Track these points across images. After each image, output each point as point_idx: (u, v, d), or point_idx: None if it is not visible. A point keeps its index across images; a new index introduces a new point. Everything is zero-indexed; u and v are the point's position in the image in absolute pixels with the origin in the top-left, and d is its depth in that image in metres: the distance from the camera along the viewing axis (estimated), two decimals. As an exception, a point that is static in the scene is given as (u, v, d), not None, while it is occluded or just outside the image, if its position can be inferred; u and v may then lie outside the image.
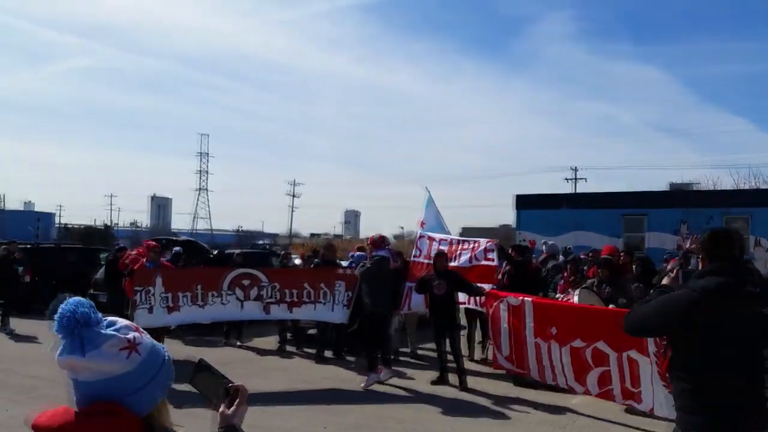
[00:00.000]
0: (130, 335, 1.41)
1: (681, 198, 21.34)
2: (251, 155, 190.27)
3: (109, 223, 74.10)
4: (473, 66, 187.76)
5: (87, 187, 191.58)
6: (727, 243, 2.92)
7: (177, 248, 12.76)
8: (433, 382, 8.06)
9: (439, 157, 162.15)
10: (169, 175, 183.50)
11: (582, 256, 10.95)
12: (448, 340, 8.18)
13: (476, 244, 9.27)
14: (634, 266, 9.24)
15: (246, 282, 8.57)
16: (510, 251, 9.92)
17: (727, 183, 39.97)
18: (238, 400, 1.58)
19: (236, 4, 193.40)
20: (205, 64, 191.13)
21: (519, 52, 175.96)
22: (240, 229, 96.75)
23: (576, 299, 7.21)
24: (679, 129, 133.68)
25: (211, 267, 10.69)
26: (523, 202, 21.67)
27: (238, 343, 11.01)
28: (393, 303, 8.92)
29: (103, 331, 1.38)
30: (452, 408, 7.00)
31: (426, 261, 9.43)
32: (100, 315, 1.41)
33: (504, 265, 9.50)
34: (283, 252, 13.38)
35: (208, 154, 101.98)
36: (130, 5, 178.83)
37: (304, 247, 44.98)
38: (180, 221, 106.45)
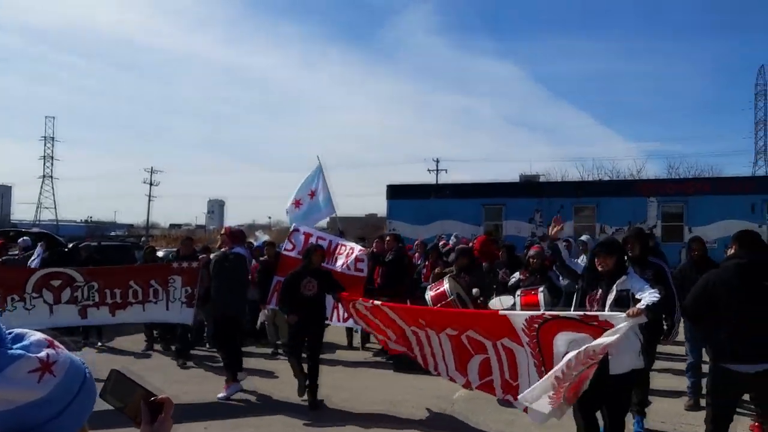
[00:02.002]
0: (42, 353, 1.16)
1: (535, 189, 22.89)
2: (104, 140, 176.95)
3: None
4: (339, 53, 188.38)
5: None
6: (747, 240, 4.54)
7: (23, 239, 11.68)
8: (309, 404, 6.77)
9: (307, 144, 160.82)
10: (10, 161, 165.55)
11: (441, 244, 11.45)
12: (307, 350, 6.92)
13: (351, 251, 8.84)
14: (500, 253, 9.81)
15: (56, 282, 7.43)
16: (385, 241, 9.98)
17: (574, 175, 43.67)
18: (162, 414, 1.37)
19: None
20: (52, 38, 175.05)
21: (384, 43, 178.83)
22: (90, 219, 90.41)
23: (447, 286, 7.15)
24: (531, 123, 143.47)
25: (11, 268, 8.80)
26: (394, 192, 22.19)
27: (99, 344, 10.25)
28: (244, 304, 8.17)
29: (8, 351, 1.12)
30: (341, 402, 6.88)
31: (299, 257, 8.98)
32: (3, 328, 1.15)
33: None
34: (147, 246, 12.42)
35: (53, 138, 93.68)
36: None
37: (165, 239, 42.89)
38: (22, 211, 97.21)
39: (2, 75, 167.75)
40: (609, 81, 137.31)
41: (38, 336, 1.19)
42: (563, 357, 4.46)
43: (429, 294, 7.26)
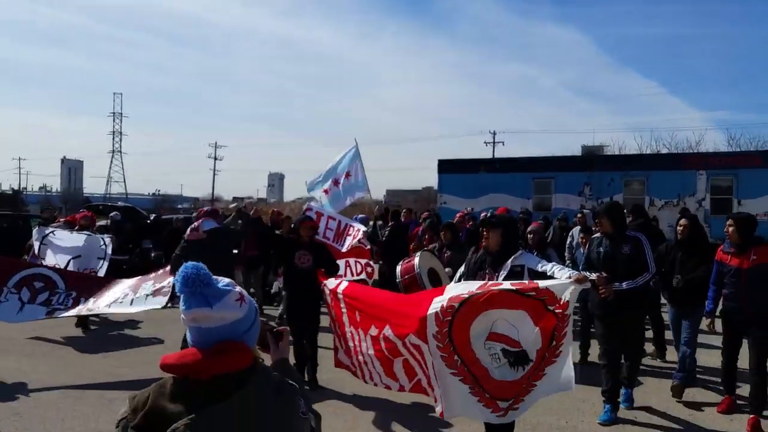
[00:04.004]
0: (237, 289, 1.68)
1: (584, 162, 23.19)
2: (169, 115, 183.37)
3: (17, 188, 70.55)
4: (395, 24, 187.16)
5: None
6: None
7: (115, 213, 13.13)
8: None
9: (363, 117, 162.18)
10: (82, 137, 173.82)
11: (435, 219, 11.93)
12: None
13: (357, 232, 9.01)
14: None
15: (39, 284, 7.50)
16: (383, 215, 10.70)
17: (632, 146, 42.95)
18: (282, 341, 1.98)
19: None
20: (116, 17, 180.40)
21: (441, 10, 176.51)
22: (157, 192, 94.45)
23: (416, 261, 6.68)
24: (595, 91, 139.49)
25: (3, 259, 8.10)
26: (444, 166, 23.02)
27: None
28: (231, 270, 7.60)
29: (221, 287, 1.63)
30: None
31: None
32: (210, 275, 1.64)
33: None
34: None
35: (122, 114, 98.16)
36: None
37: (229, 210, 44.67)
38: (93, 185, 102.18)
39: (70, 53, 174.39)
40: (678, 46, 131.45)
41: (227, 279, 1.70)
42: (485, 340, 4.05)
43: (399, 267, 6.86)
